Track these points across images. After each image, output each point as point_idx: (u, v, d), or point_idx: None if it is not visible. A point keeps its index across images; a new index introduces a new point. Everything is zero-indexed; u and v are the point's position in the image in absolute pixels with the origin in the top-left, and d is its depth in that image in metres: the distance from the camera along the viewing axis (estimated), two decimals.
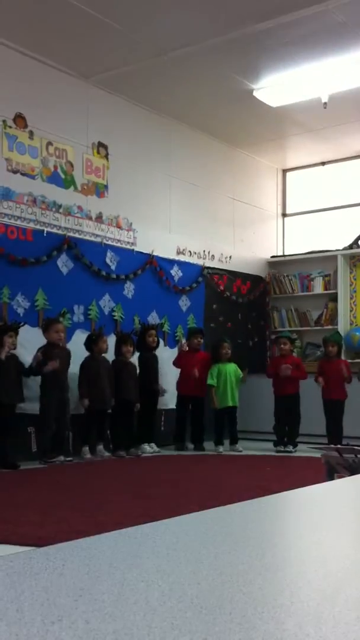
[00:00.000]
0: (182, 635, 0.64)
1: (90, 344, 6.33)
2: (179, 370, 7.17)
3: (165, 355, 7.18)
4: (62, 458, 5.87)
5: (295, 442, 7.03)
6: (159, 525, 1.09)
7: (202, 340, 7.27)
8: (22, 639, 0.64)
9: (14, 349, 5.73)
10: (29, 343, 5.96)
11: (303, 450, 6.68)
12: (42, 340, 6.00)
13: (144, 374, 6.73)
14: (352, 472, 2.90)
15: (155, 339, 6.91)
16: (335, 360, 7.16)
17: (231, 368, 7.15)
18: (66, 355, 6.08)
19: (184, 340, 7.32)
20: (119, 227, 7.09)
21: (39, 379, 5.90)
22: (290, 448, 6.99)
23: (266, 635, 0.64)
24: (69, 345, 6.25)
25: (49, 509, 3.81)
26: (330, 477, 3.14)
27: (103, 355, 6.39)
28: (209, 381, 7.05)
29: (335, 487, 1.73)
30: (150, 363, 6.81)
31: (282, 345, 7.24)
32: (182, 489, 4.55)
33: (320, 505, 1.36)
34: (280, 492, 1.39)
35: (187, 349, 7.14)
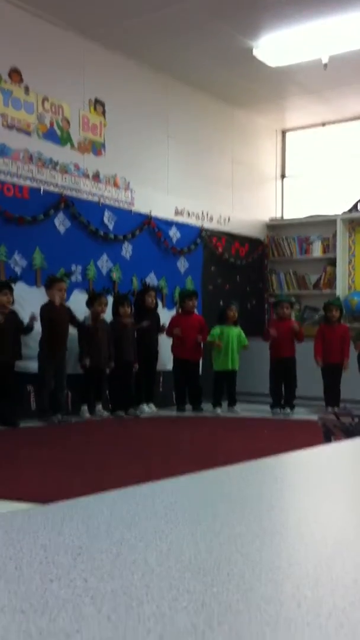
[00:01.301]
0: (180, 595, 0.65)
1: (88, 304, 6.32)
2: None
3: (163, 316, 7.17)
4: (59, 417, 5.91)
5: (292, 405, 7.08)
6: (157, 486, 1.09)
7: (196, 302, 7.25)
8: (20, 597, 0.64)
9: (12, 305, 5.70)
10: (26, 302, 5.95)
11: (300, 413, 6.74)
12: (39, 299, 5.98)
13: (143, 335, 6.73)
14: (349, 435, 2.93)
15: (154, 300, 6.90)
16: (336, 325, 7.17)
17: (234, 332, 7.15)
18: (67, 313, 6.07)
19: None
20: (116, 186, 7.01)
21: (37, 335, 5.89)
22: (288, 410, 7.04)
23: (264, 597, 0.64)
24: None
25: (48, 467, 3.85)
26: (327, 440, 3.17)
27: (102, 316, 6.38)
28: (210, 338, 7.04)
29: (332, 450, 1.74)
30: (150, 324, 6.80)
31: (284, 310, 7.23)
32: (180, 450, 4.60)
33: (318, 468, 1.37)
34: (277, 454, 1.39)
35: (179, 333, 6.98)
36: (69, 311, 6.13)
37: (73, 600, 0.63)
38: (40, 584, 0.67)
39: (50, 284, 5.97)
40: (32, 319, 5.79)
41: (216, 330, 7.08)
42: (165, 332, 7.02)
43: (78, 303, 6.35)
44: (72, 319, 6.13)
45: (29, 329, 5.80)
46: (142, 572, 0.70)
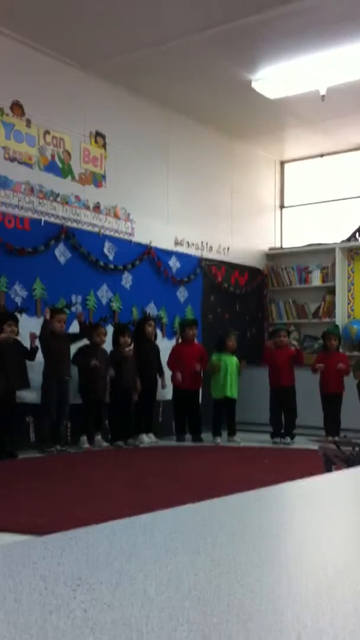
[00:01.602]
0: (180, 625, 0.64)
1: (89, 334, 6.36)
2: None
3: (163, 346, 7.18)
4: (58, 447, 5.88)
5: (292, 434, 7.04)
6: (157, 516, 1.09)
7: (196, 331, 7.26)
8: (20, 629, 0.64)
9: (16, 336, 5.72)
10: (26, 332, 5.96)
11: (300, 442, 6.70)
12: (39, 329, 5.99)
13: (142, 365, 6.73)
14: (350, 465, 2.91)
15: (154, 330, 6.91)
16: (334, 353, 7.16)
17: (233, 360, 7.16)
18: (66, 339, 6.09)
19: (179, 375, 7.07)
20: (116, 217, 7.08)
21: (39, 367, 5.91)
22: (288, 440, 7.00)
23: (264, 627, 0.64)
24: None
25: (48, 498, 3.82)
26: (328, 469, 3.15)
27: (101, 346, 6.39)
28: (211, 362, 7.03)
29: (332, 479, 1.73)
30: (149, 354, 6.81)
31: (282, 338, 7.23)
32: (180, 480, 4.56)
33: (318, 497, 1.36)
34: (277, 483, 1.39)
35: (179, 379, 6.99)
36: (68, 337, 6.14)
37: (73, 632, 0.63)
38: (40, 615, 0.67)
39: (52, 314, 6.00)
40: (32, 336, 5.81)
41: (215, 359, 7.07)
42: (167, 364, 7.03)
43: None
44: (73, 337, 6.15)
45: (33, 351, 5.81)
46: (141, 603, 0.70)
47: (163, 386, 7.03)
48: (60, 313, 6.04)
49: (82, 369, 6.19)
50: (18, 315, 5.81)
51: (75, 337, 6.16)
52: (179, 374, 7.00)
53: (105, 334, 6.41)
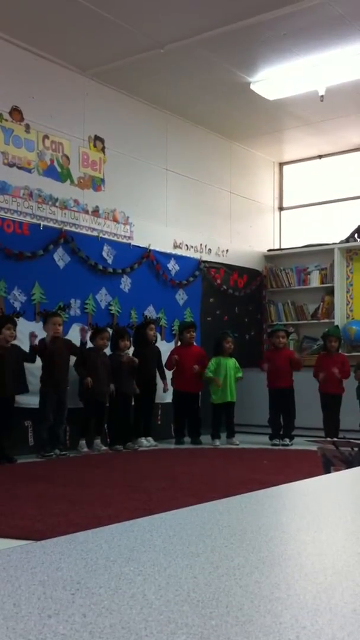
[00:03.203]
0: (179, 629, 0.64)
1: (91, 338, 6.35)
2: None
3: (162, 349, 7.17)
4: (57, 452, 5.87)
5: (291, 435, 7.04)
6: (155, 519, 1.09)
7: (194, 334, 7.26)
8: (19, 633, 0.64)
9: (14, 340, 5.72)
10: (25, 337, 5.96)
11: (299, 444, 6.70)
12: (38, 334, 6.00)
13: (142, 368, 6.73)
14: (349, 465, 2.91)
15: (155, 333, 6.92)
16: (335, 354, 7.16)
17: (231, 363, 7.15)
18: (65, 345, 6.08)
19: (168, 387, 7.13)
20: (115, 220, 7.08)
21: (38, 372, 5.91)
22: (287, 441, 7.00)
23: (263, 629, 0.64)
24: None
25: (46, 502, 3.82)
26: (327, 470, 3.15)
27: (103, 350, 6.40)
28: (207, 374, 7.05)
29: (332, 480, 1.73)
30: (149, 357, 6.81)
31: (280, 339, 7.23)
32: (179, 483, 4.56)
33: (317, 498, 1.36)
34: (277, 485, 1.39)
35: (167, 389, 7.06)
36: (68, 343, 6.14)
37: (72, 636, 0.63)
38: (39, 620, 0.67)
39: (46, 318, 6.00)
40: (32, 336, 5.80)
41: (212, 364, 7.06)
42: (165, 365, 7.03)
43: (76, 336, 6.36)
44: (72, 348, 6.14)
45: (32, 354, 5.80)
46: (140, 606, 0.70)
47: (165, 389, 7.04)
48: (54, 316, 6.03)
49: (82, 377, 6.19)
50: (16, 320, 5.80)
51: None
52: (165, 385, 7.04)
53: (108, 338, 6.42)
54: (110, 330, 6.59)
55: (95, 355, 6.29)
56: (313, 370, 7.12)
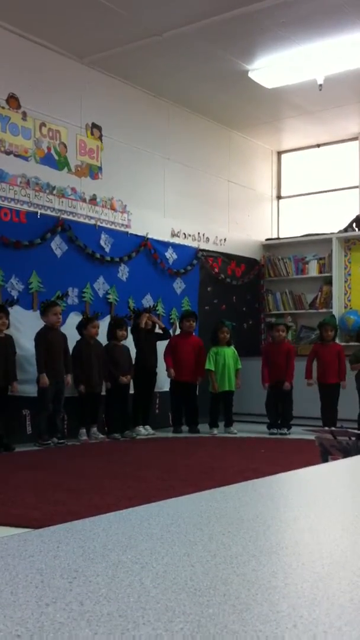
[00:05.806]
0: (176, 617, 0.64)
1: (81, 327, 6.33)
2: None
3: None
4: (55, 440, 5.88)
5: (289, 425, 7.06)
6: (153, 507, 1.09)
7: (194, 324, 7.26)
8: (16, 621, 0.64)
9: (6, 328, 5.68)
10: (22, 325, 5.95)
11: (297, 433, 6.72)
12: (36, 322, 5.99)
13: (140, 357, 6.73)
14: (346, 454, 2.92)
15: (150, 321, 6.91)
16: (331, 344, 7.16)
17: (229, 352, 7.16)
18: (62, 339, 6.07)
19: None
20: (113, 209, 7.06)
21: (34, 361, 5.91)
22: (285, 430, 7.02)
23: (260, 617, 0.64)
24: (63, 329, 6.23)
25: (44, 491, 3.83)
26: (325, 459, 3.16)
27: (95, 339, 6.38)
28: (207, 366, 7.06)
29: (329, 469, 1.73)
30: (146, 345, 6.80)
31: (280, 333, 7.23)
32: (177, 471, 4.57)
33: (315, 487, 1.37)
34: (274, 474, 1.39)
35: (172, 375, 7.03)
36: (64, 338, 6.11)
37: (69, 624, 0.63)
38: (36, 608, 0.67)
39: (45, 308, 5.98)
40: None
41: (212, 354, 7.07)
42: (163, 356, 7.03)
43: (74, 325, 6.36)
44: (65, 348, 6.12)
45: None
46: (138, 595, 0.70)
47: (169, 374, 7.01)
48: (53, 306, 6.01)
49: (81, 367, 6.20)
50: (9, 309, 5.76)
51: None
52: (172, 370, 7.01)
53: (97, 327, 6.39)
54: (104, 320, 6.58)
55: (87, 346, 6.28)
56: (307, 358, 7.13)
